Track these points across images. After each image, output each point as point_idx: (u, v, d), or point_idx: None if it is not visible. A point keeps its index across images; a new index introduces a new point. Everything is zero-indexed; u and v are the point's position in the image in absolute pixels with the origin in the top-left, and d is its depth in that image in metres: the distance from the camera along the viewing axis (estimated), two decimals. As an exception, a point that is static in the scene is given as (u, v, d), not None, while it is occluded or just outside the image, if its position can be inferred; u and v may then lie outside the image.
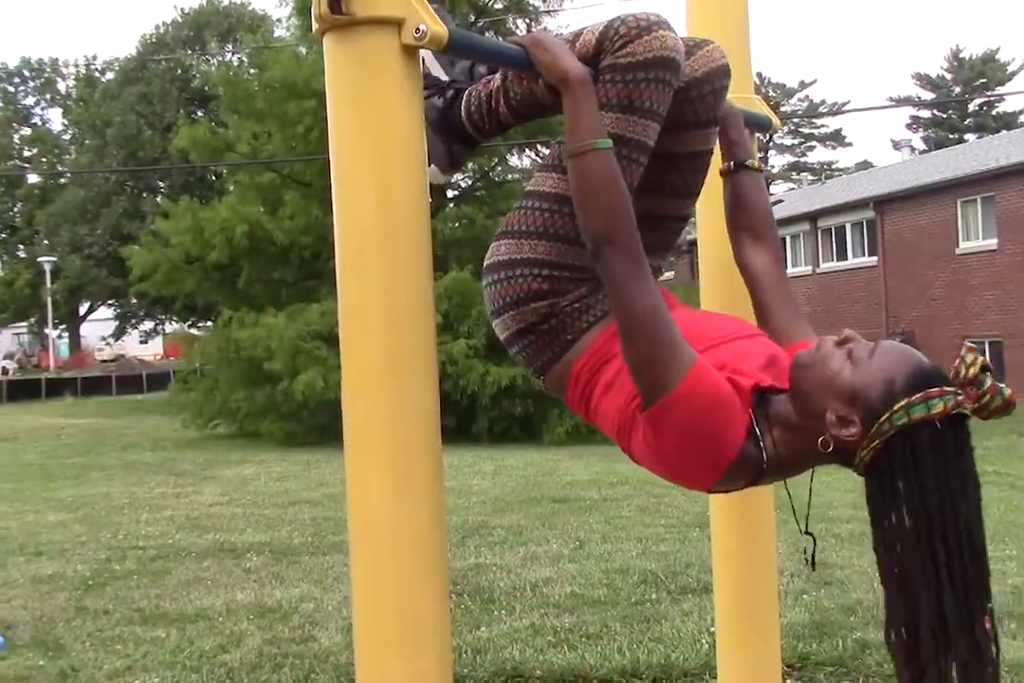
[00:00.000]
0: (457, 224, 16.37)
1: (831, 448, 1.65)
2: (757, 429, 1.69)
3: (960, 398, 1.59)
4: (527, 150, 18.40)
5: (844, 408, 1.62)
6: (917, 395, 1.58)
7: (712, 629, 3.99)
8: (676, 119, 1.97)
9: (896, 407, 1.58)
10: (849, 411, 1.62)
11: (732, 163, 2.18)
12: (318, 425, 15.30)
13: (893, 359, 1.62)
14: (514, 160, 19.02)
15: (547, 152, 1.98)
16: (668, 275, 26.44)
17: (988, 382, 1.61)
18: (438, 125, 1.97)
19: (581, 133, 1.73)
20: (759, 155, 2.38)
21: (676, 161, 2.04)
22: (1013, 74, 47.88)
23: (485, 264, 2.00)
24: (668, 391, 1.64)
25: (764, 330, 2.01)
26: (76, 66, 41.88)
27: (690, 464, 1.71)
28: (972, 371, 1.61)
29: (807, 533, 1.84)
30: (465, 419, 14.97)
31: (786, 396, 1.72)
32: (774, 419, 1.71)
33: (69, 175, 39.38)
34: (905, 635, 1.59)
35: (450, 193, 18.33)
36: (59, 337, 51.11)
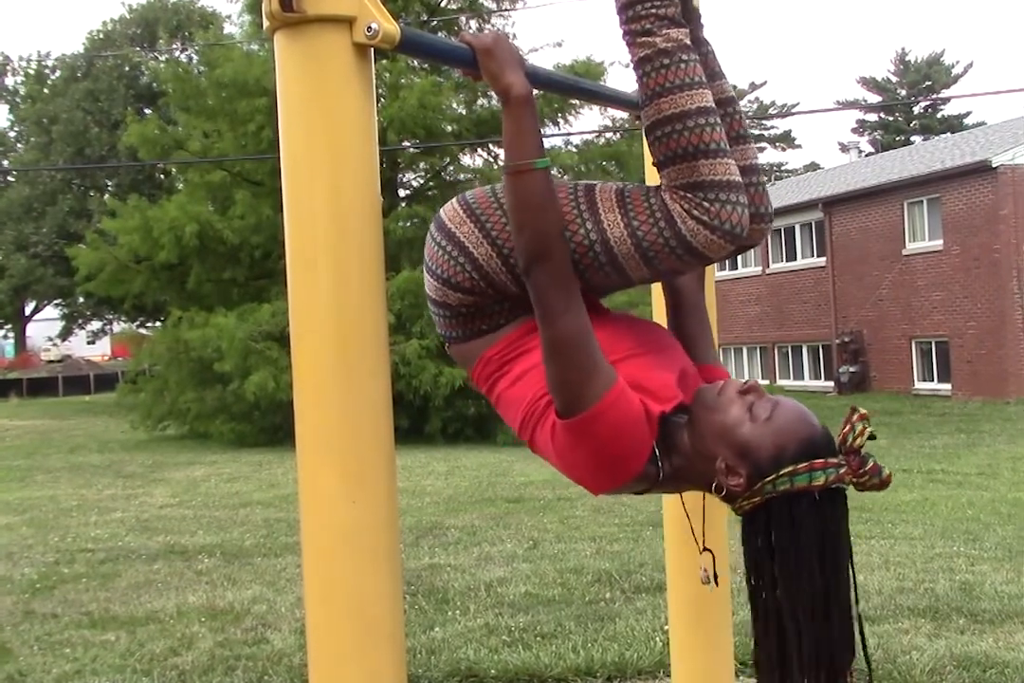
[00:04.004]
0: (409, 223, 16.33)
1: (723, 492, 1.74)
2: (658, 453, 1.75)
3: (843, 472, 1.69)
4: (479, 150, 18.41)
5: (733, 460, 1.71)
6: (803, 465, 1.68)
7: (666, 627, 4.01)
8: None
9: (782, 472, 1.68)
10: (738, 463, 1.71)
11: None
12: (269, 426, 15.20)
13: (789, 424, 1.71)
14: (466, 160, 19.02)
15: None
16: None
17: (870, 463, 1.71)
18: None
19: (519, 151, 1.71)
20: None
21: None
22: (958, 77, 48.61)
23: (442, 214, 1.94)
24: (584, 410, 1.68)
25: None
26: (28, 61, 41.13)
27: (590, 474, 1.76)
28: (860, 441, 1.71)
29: (706, 550, 1.93)
30: (418, 420, 14.94)
31: (686, 423, 1.77)
32: (673, 446, 1.77)
33: (14, 173, 38.75)
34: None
35: (402, 192, 18.29)
36: (4, 337, 50.32)
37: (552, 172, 1.78)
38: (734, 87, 2.13)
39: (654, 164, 1.85)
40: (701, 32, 2.00)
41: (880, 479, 1.71)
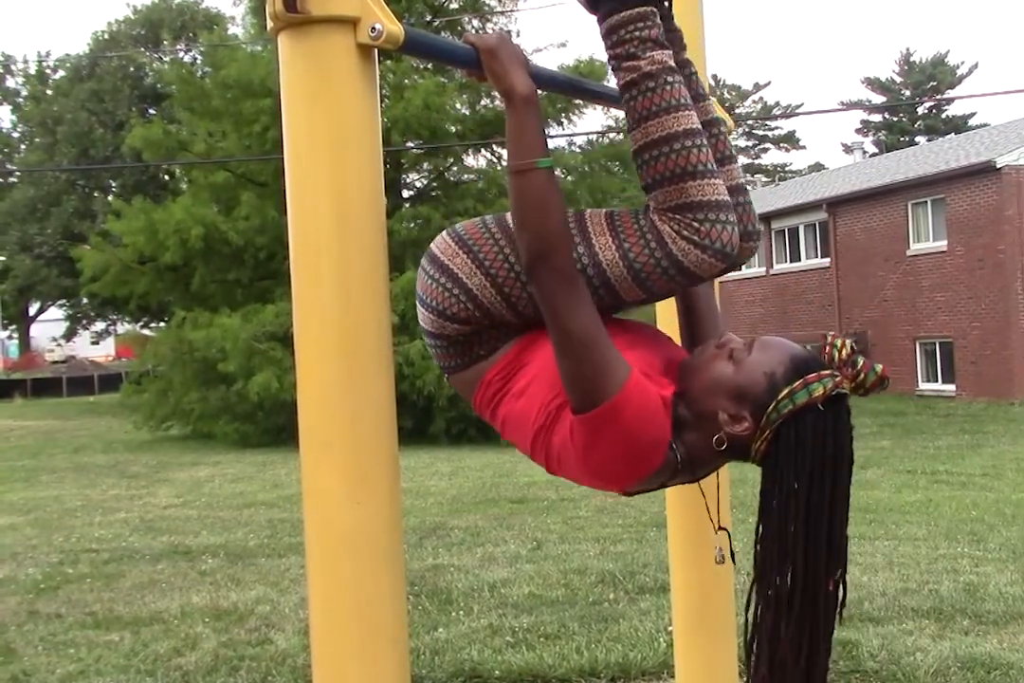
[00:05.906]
0: (413, 224, 16.33)
1: (725, 445, 1.74)
2: (671, 438, 1.75)
3: (837, 379, 1.72)
4: (482, 150, 18.40)
5: (733, 406, 1.72)
6: (797, 383, 1.70)
7: (670, 628, 4.01)
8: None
9: (780, 397, 1.70)
10: (739, 408, 1.72)
11: None
12: (273, 426, 15.21)
13: (770, 353, 1.74)
14: (469, 160, 19.02)
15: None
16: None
17: (861, 362, 1.73)
18: None
19: (522, 150, 1.72)
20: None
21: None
22: (962, 77, 48.56)
23: (433, 248, 1.94)
24: (602, 402, 1.67)
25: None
26: (27, 62, 41.21)
27: (614, 470, 1.75)
28: (844, 352, 1.74)
29: (722, 529, 2.00)
30: (422, 420, 14.93)
31: (682, 399, 1.78)
32: (679, 426, 1.76)
33: (19, 173, 38.78)
34: (763, 604, 1.73)
35: (406, 193, 18.29)
36: (9, 338, 50.43)
37: (556, 173, 1.78)
38: (731, 99, 2.15)
39: (642, 187, 1.87)
40: (683, 54, 2.00)
41: (877, 374, 1.73)
